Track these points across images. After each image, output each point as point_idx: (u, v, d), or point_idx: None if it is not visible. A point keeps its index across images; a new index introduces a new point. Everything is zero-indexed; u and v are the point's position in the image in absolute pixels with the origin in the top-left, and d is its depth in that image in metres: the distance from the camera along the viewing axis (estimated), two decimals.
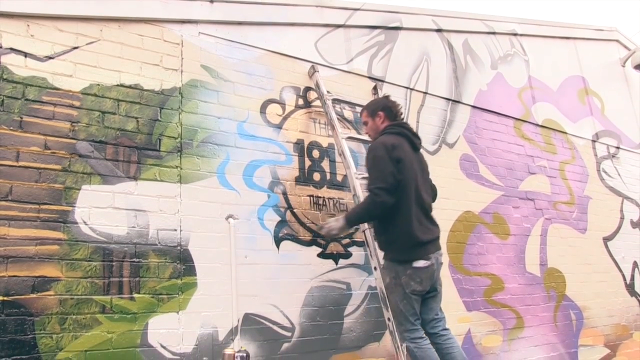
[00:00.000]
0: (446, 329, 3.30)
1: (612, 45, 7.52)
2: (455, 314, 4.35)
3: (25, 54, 3.08)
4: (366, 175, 3.44)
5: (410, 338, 3.15)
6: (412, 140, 3.42)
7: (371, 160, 3.26)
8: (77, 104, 3.17)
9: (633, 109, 7.36)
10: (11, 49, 3.04)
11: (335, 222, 3.37)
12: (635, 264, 6.31)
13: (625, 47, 7.59)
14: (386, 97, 3.70)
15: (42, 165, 2.97)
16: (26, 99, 3.01)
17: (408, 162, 3.24)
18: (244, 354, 2.87)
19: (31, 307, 2.77)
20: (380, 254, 3.50)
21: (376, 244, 3.45)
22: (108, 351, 2.92)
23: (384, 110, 3.53)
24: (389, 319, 3.43)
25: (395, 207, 3.15)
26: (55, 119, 3.07)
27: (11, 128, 2.93)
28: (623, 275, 6.10)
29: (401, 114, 3.60)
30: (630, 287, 6.12)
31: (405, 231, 3.15)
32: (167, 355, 3.09)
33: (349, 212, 3.39)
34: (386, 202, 3.12)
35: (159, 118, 3.42)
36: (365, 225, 3.65)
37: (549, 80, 6.31)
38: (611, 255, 6.06)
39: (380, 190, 3.13)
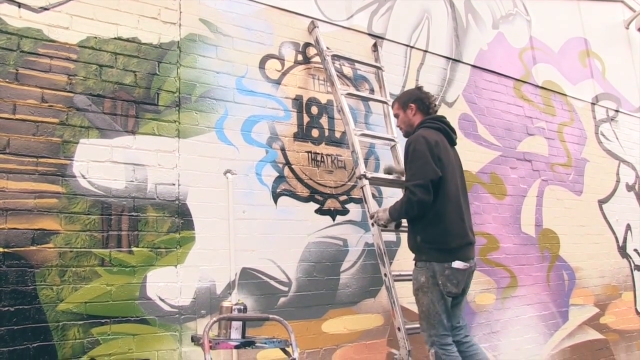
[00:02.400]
0: (468, 336, 3.24)
1: (616, 6, 7.41)
2: None
3: (19, 4, 3.01)
4: (398, 169, 3.52)
5: (441, 344, 3.05)
6: (450, 135, 3.31)
7: (411, 153, 3.11)
8: (73, 56, 3.13)
9: (634, 72, 7.31)
10: None
11: (382, 213, 3.36)
12: (628, 226, 6.38)
13: (630, 8, 7.48)
14: (419, 88, 3.55)
15: (40, 119, 2.95)
16: (21, 51, 2.96)
17: (448, 161, 3.15)
18: (242, 307, 2.90)
19: (31, 259, 2.80)
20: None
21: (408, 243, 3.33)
22: (107, 303, 2.96)
23: (415, 102, 3.38)
24: (385, 275, 3.48)
25: (435, 207, 3.05)
26: (51, 72, 3.04)
27: (7, 80, 2.90)
28: (616, 238, 6.18)
29: (435, 105, 3.44)
30: (622, 249, 6.20)
31: (446, 231, 3.06)
32: (166, 307, 3.14)
33: (392, 205, 3.30)
34: (423, 200, 3.02)
35: (157, 72, 3.39)
36: (364, 181, 3.66)
37: (551, 41, 6.24)
38: (605, 218, 6.12)
39: (418, 188, 3.01)
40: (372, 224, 3.56)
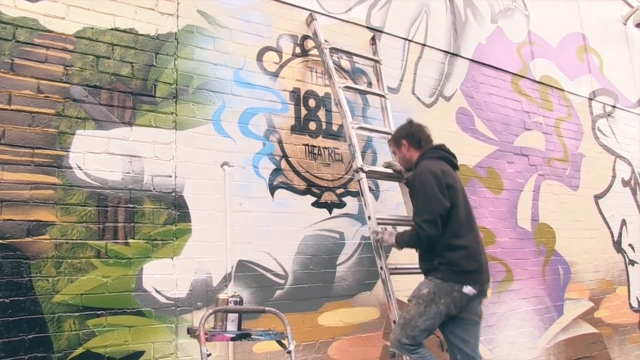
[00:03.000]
0: None
1: (614, 2, 7.41)
2: None
3: None
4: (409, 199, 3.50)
5: (412, 350, 3.04)
6: (452, 161, 3.30)
7: (418, 186, 3.09)
8: (70, 47, 3.11)
9: (632, 68, 7.31)
10: None
11: (388, 237, 3.33)
12: (623, 221, 6.40)
13: (629, 4, 7.48)
14: (409, 123, 3.47)
15: (36, 109, 2.93)
16: (17, 41, 2.94)
17: (456, 187, 3.13)
18: (238, 299, 2.91)
19: (27, 251, 2.79)
20: (372, 212, 3.55)
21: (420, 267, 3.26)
22: (103, 295, 2.96)
23: (406, 137, 3.36)
24: (381, 268, 3.49)
25: (449, 232, 3.03)
26: (48, 62, 3.02)
27: (2, 70, 2.88)
28: (611, 233, 6.20)
29: (428, 135, 3.38)
30: (617, 244, 6.23)
31: (458, 257, 3.02)
32: (162, 299, 3.14)
33: (400, 233, 3.28)
34: (432, 235, 3.00)
35: (155, 63, 3.37)
36: (361, 174, 3.66)
37: (549, 36, 6.23)
38: (601, 213, 6.14)
39: (426, 223, 2.99)
40: (373, 239, 3.52)
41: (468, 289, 3.00)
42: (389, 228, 3.47)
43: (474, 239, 3.10)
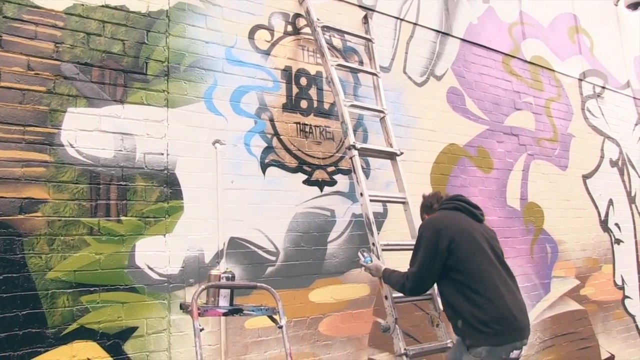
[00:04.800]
0: None
1: None
2: None
3: None
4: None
5: None
6: (472, 212, 3.08)
7: (418, 239, 3.00)
8: (60, 24, 3.08)
9: (622, 49, 7.34)
10: None
11: (375, 271, 3.36)
12: (610, 201, 6.48)
13: None
14: (422, 197, 3.41)
15: (26, 87, 2.92)
16: (4, 16, 2.91)
17: (471, 239, 2.90)
18: (230, 275, 2.94)
19: (19, 228, 2.80)
20: (364, 189, 3.58)
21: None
22: (96, 271, 2.99)
23: (424, 211, 3.35)
24: (373, 244, 3.53)
25: (463, 288, 2.82)
26: (37, 39, 3.00)
27: None
28: (598, 212, 6.29)
29: (441, 197, 3.28)
30: (604, 223, 6.32)
31: (482, 315, 2.75)
32: (154, 276, 3.17)
33: (388, 272, 3.26)
34: (414, 290, 2.98)
35: (146, 41, 3.36)
36: (354, 151, 3.68)
37: (540, 16, 6.24)
38: (589, 193, 6.22)
39: (413, 277, 2.95)
40: (361, 263, 3.50)
41: (514, 353, 2.76)
42: (375, 259, 3.44)
43: (497, 291, 2.79)
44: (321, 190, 3.93)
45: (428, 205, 3.31)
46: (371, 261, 3.43)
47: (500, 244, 3.12)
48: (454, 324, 2.93)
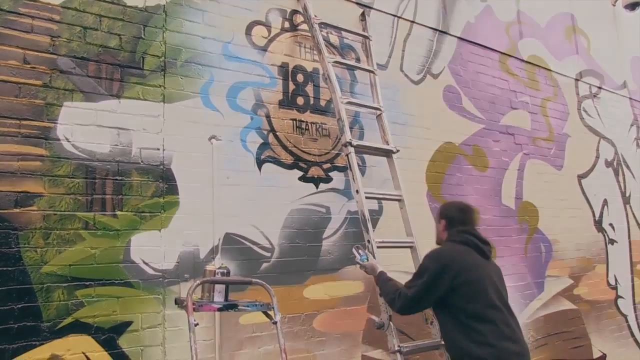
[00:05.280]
0: None
1: None
2: (430, 241, 4.47)
3: None
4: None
5: None
6: (481, 248, 3.01)
7: (422, 266, 2.95)
8: (57, 17, 3.07)
9: (619, 49, 7.35)
10: None
11: (370, 270, 3.31)
12: (605, 201, 6.52)
13: None
14: (459, 202, 3.34)
15: (22, 80, 2.91)
16: (1, 9, 2.89)
17: (477, 276, 2.86)
18: (225, 271, 2.95)
19: (15, 221, 2.80)
20: (360, 186, 3.58)
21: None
22: (92, 266, 2.99)
23: (446, 218, 3.13)
24: (368, 242, 3.54)
25: (463, 324, 2.79)
26: (34, 33, 2.98)
27: None
28: (593, 212, 6.32)
29: (470, 220, 3.12)
30: (598, 223, 6.35)
31: (482, 351, 2.72)
32: (149, 271, 3.17)
33: (383, 278, 3.20)
34: (402, 310, 2.97)
35: (143, 36, 3.35)
36: (350, 148, 3.68)
37: (538, 15, 6.24)
38: (584, 193, 6.24)
39: (405, 300, 2.91)
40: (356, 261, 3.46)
41: None
42: (371, 258, 3.41)
43: (497, 332, 2.76)
44: (317, 187, 3.94)
45: (455, 220, 3.10)
46: (367, 260, 3.40)
47: (505, 283, 3.07)
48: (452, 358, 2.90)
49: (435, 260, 2.89)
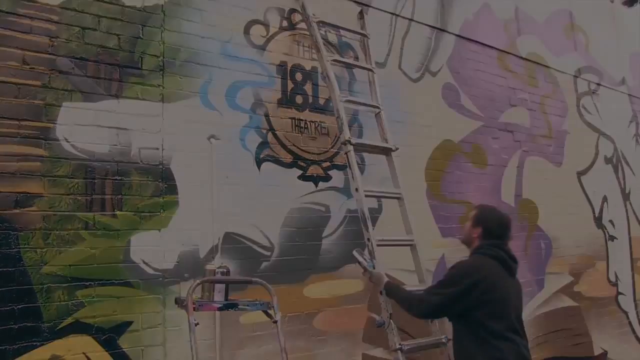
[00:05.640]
0: None
1: None
2: (430, 239, 4.50)
3: None
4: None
5: None
6: (510, 265, 2.94)
7: (450, 273, 2.94)
8: (55, 18, 3.06)
9: (617, 46, 7.35)
10: None
11: (376, 278, 3.25)
12: (604, 198, 6.52)
13: None
14: (500, 215, 3.09)
15: (21, 81, 2.90)
16: (0, 10, 2.90)
17: (502, 295, 2.82)
18: (225, 270, 2.95)
19: (15, 222, 2.80)
20: (360, 184, 3.58)
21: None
22: (92, 266, 2.99)
23: (484, 228, 2.98)
24: (368, 240, 3.54)
25: (482, 339, 2.76)
26: (32, 33, 2.97)
27: None
28: (592, 209, 6.33)
29: (506, 235, 3.00)
30: (598, 220, 6.36)
31: None
32: (149, 271, 3.18)
33: (393, 286, 3.19)
34: (422, 316, 3.02)
35: (141, 36, 3.34)
36: (349, 147, 3.67)
37: (536, 12, 6.24)
38: (583, 189, 6.26)
39: (428, 307, 2.90)
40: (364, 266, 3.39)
41: None
42: (378, 268, 3.35)
43: (509, 348, 2.76)
44: (316, 186, 3.95)
45: (492, 233, 2.97)
46: (374, 267, 3.32)
47: (522, 300, 3.04)
48: None
49: (468, 276, 2.82)
